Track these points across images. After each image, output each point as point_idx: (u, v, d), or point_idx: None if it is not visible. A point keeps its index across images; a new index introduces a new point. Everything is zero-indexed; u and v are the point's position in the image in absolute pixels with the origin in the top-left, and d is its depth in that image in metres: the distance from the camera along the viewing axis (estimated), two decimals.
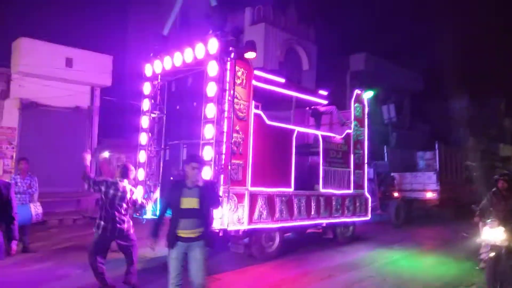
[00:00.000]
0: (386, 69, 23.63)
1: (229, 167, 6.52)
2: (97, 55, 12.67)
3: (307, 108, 9.97)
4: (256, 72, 7.37)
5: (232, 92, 6.62)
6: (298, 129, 8.05)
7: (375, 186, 11.69)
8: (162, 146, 8.06)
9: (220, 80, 6.52)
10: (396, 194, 13.35)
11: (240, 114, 6.87)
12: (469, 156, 16.87)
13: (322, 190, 8.52)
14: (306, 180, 8.67)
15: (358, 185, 9.58)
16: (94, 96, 13.17)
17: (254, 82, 7.23)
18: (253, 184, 7.03)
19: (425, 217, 14.32)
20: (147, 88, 8.07)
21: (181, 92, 8.03)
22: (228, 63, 6.69)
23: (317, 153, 8.67)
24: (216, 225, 6.30)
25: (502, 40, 31.39)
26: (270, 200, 7.34)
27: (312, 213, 8.24)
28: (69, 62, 11.92)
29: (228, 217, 6.52)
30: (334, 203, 8.79)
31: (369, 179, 10.02)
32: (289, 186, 7.79)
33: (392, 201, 12.72)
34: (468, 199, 16.70)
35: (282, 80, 7.91)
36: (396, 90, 24.61)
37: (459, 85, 28.56)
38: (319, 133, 8.68)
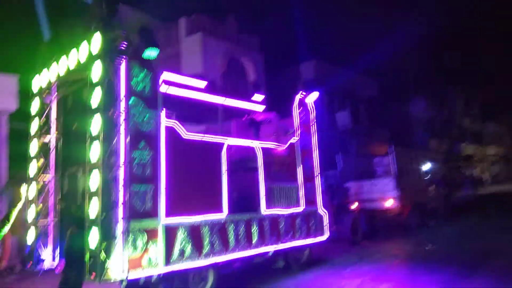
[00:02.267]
0: (338, 75, 23.09)
1: (128, 196, 5.00)
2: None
3: (245, 117, 8.67)
4: (166, 76, 5.98)
5: (126, 99, 5.16)
6: (228, 141, 6.69)
7: (328, 199, 10.38)
8: (58, 176, 6.39)
9: (109, 85, 5.05)
10: (353, 206, 12.17)
11: (143, 127, 5.41)
12: (431, 158, 16.28)
13: (264, 211, 7.14)
14: (247, 202, 7.28)
15: (310, 201, 8.30)
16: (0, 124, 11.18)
17: (164, 88, 5.83)
18: (169, 214, 5.53)
19: (387, 229, 13.27)
20: (35, 105, 6.44)
21: (79, 107, 6.47)
22: (122, 64, 5.26)
23: (257, 168, 7.32)
24: (114, 274, 4.71)
25: (459, 37, 32.21)
26: (195, 231, 5.85)
27: (255, 240, 6.81)
28: None
29: (133, 262, 4.95)
30: (281, 225, 7.43)
31: (322, 192, 8.78)
32: (221, 211, 6.34)
33: (347, 215, 11.45)
34: (433, 204, 16.24)
35: (203, 84, 6.57)
36: (350, 97, 24.12)
37: (415, 86, 28.80)
38: (256, 144, 7.36)
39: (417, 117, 30.32)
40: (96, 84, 5.01)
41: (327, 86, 20.89)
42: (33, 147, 6.29)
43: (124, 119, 5.10)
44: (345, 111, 19.50)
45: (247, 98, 7.48)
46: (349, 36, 25.59)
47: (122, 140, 5.11)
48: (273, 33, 19.96)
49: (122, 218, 4.90)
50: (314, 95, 8.66)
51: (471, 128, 37.86)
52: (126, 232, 4.95)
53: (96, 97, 4.96)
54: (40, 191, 6.14)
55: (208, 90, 6.65)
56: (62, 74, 5.82)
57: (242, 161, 7.52)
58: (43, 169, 6.21)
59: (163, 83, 5.80)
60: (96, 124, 4.90)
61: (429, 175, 15.94)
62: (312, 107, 8.84)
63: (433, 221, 14.47)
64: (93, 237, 4.69)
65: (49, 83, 6.28)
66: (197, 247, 5.84)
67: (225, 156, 6.53)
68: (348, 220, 11.31)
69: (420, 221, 13.82)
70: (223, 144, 6.57)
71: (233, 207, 6.53)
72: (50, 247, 6.12)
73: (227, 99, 6.87)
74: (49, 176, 6.32)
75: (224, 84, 15.52)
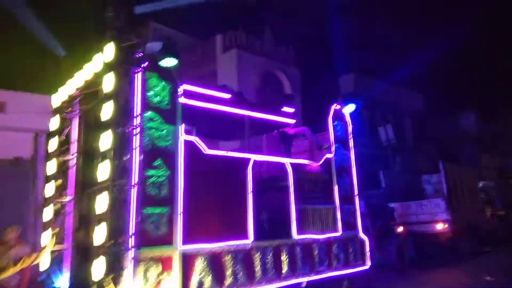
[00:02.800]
0: (379, 89, 21.94)
1: (140, 220, 4.48)
2: (35, 96, 11.03)
3: (275, 132, 8.02)
4: (186, 87, 5.52)
5: (141, 112, 4.72)
6: (254, 157, 6.06)
7: (368, 221, 9.34)
8: (77, 198, 6.06)
9: (121, 97, 4.64)
10: (399, 230, 10.98)
11: (160, 143, 4.94)
12: (484, 175, 14.66)
13: (296, 236, 6.37)
14: (276, 226, 6.56)
15: (349, 225, 7.41)
16: (38, 144, 11.35)
17: (183, 100, 5.37)
18: (186, 241, 4.95)
19: (436, 255, 11.86)
20: (54, 122, 6.21)
21: (98, 123, 6.16)
22: (138, 74, 4.85)
23: (288, 188, 6.61)
24: None
25: (509, 48, 29.91)
26: (216, 260, 5.22)
27: (285, 270, 6.04)
28: (0, 107, 10.24)
29: None
30: (316, 252, 6.60)
31: (361, 214, 7.85)
32: (246, 237, 5.68)
33: (392, 239, 10.25)
34: (488, 226, 14.49)
35: (227, 96, 6.03)
36: (394, 110, 22.79)
37: (465, 99, 26.80)
38: (286, 160, 6.67)
39: (466, 131, 28.15)
40: (108, 97, 4.61)
41: (368, 100, 19.86)
42: (51, 167, 6.01)
43: (139, 134, 4.65)
44: (387, 125, 18.27)
45: (277, 111, 6.85)
46: (391, 46, 24.40)
47: (136, 158, 4.65)
48: (310, 47, 19.37)
49: (133, 246, 4.38)
50: (351, 107, 7.87)
51: None
52: (137, 261, 4.42)
53: (107, 111, 4.55)
54: (57, 213, 5.80)
55: (233, 103, 6.10)
56: (79, 87, 5.53)
57: (271, 180, 6.85)
58: (61, 190, 5.89)
59: (182, 96, 5.34)
60: (106, 140, 4.47)
61: (483, 194, 14.32)
62: (349, 120, 8.03)
63: (488, 247, 12.85)
64: (99, 267, 4.20)
65: (70, 99, 6.03)
66: (218, 279, 5.19)
67: (251, 174, 5.90)
68: (393, 244, 10.17)
69: (474, 246, 12.29)
70: (249, 160, 5.95)
71: (260, 232, 5.84)
72: (66, 274, 5.74)
73: (253, 112, 6.27)
74: (67, 198, 6.00)
75: (259, 99, 15.05)
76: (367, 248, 7.60)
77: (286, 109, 6.93)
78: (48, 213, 5.85)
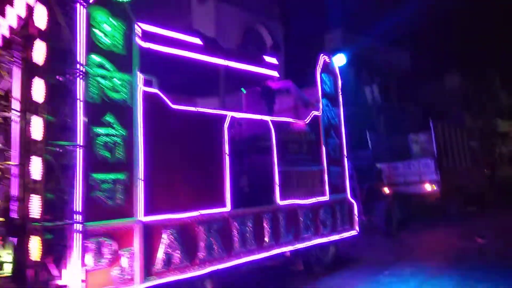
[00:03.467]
0: (366, 47, 20.95)
1: (87, 188, 3.65)
2: None
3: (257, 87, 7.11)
4: (145, 28, 4.51)
5: (85, 56, 3.74)
6: (231, 114, 5.20)
7: (356, 184, 8.76)
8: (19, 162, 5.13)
9: (57, 38, 3.63)
10: (386, 191, 10.51)
11: (112, 94, 4.01)
12: (471, 134, 14.27)
13: (279, 202, 5.69)
14: (257, 191, 5.85)
15: (336, 188, 6.78)
16: None
17: (141, 43, 4.38)
18: (149, 211, 4.17)
19: (425, 216, 11.59)
20: None
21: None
22: (80, 8, 3.81)
23: (270, 149, 5.83)
24: None
25: (494, 9, 29.06)
26: (186, 233, 4.49)
27: (267, 240, 5.40)
28: None
29: (96, 277, 3.65)
30: (301, 218, 5.98)
31: (348, 176, 7.22)
32: (223, 205, 4.94)
33: (380, 202, 9.78)
34: (476, 186, 14.33)
35: (197, 42, 5.04)
36: (380, 70, 21.96)
37: (450, 60, 26.17)
38: (268, 118, 5.84)
39: (451, 92, 27.79)
40: (40, 36, 3.59)
41: (354, 58, 18.93)
42: None
43: (82, 83, 3.70)
44: (374, 84, 17.52)
45: (258, 61, 5.89)
46: (379, 2, 23.16)
47: (80, 113, 3.73)
48: (295, 0, 18.02)
49: (78, 220, 3.58)
50: (341, 58, 7.04)
51: (508, 104, 34.69)
52: (86, 237, 3.64)
53: (39, 54, 3.56)
54: None
55: (205, 50, 5.12)
56: (14, 27, 4.43)
57: (252, 140, 6.06)
58: (2, 153, 4.94)
59: (140, 39, 4.34)
60: (38, 91, 3.52)
61: (470, 154, 13.99)
62: (338, 73, 7.19)
63: (474, 207, 12.68)
64: (35, 247, 3.40)
65: (5, 43, 4.92)
66: (190, 253, 4.49)
67: (227, 134, 5.07)
68: (381, 207, 9.70)
69: (460, 207, 12.07)
70: (225, 118, 5.10)
71: (239, 199, 5.12)
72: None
73: (230, 61, 5.31)
74: (10, 162, 5.07)
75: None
76: (356, 212, 7.05)
77: (268, 59, 5.99)
78: None
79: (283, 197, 5.75)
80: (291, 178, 5.99)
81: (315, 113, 6.59)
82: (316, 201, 6.29)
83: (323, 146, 6.59)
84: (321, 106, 6.68)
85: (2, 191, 4.89)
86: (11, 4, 4.16)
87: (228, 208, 4.96)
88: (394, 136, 14.20)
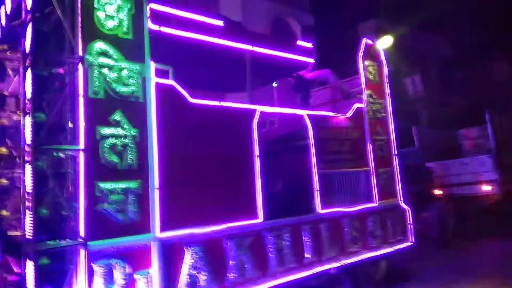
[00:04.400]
0: (403, 36, 19.52)
1: (91, 201, 3.02)
2: None
3: (290, 77, 6.30)
4: (157, 7, 3.84)
5: (82, 42, 3.12)
6: (261, 108, 4.44)
7: (404, 186, 7.65)
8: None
9: (47, 19, 3.02)
10: (438, 193, 9.31)
11: (120, 88, 3.37)
12: None
13: (320, 210, 4.86)
14: (293, 199, 5.07)
15: (387, 192, 5.84)
16: None
17: (153, 26, 3.72)
18: (168, 226, 3.49)
19: (484, 221, 10.25)
20: None
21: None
22: None
23: (307, 148, 5.02)
24: None
25: None
26: (212, 250, 3.78)
27: (308, 255, 4.59)
28: None
29: None
30: (347, 229, 5.11)
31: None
32: (254, 216, 4.19)
33: (432, 207, 8.61)
34: None
35: (218, 23, 4.31)
36: (419, 60, 20.46)
37: (496, 45, 24.02)
38: (304, 112, 5.03)
39: (498, 81, 25.62)
40: (30, 20, 2.99)
41: (390, 48, 17.61)
42: None
43: (82, 74, 3.08)
44: (415, 75, 16.16)
45: (291, 46, 5.07)
46: None
47: (81, 111, 3.11)
48: None
49: (82, 239, 2.95)
50: (387, 40, 6.09)
51: None
52: (93, 260, 3.01)
53: (27, 40, 2.96)
54: (3, 192, 4.40)
55: (228, 34, 4.37)
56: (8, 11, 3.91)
57: (285, 139, 5.28)
58: (4, 161, 4.45)
59: (150, 21, 3.68)
60: (27, 85, 2.92)
61: None
62: (384, 60, 6.25)
63: None
64: (30, 271, 2.79)
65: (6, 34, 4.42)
66: (218, 274, 3.77)
67: (256, 132, 4.31)
68: (434, 212, 8.57)
69: None
70: (254, 113, 4.35)
71: (272, 209, 4.35)
72: None
73: (257, 47, 4.53)
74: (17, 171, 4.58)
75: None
76: (409, 220, 6.07)
77: (302, 43, 5.17)
78: None
79: (324, 205, 4.91)
80: (332, 181, 5.15)
81: (359, 105, 5.70)
82: (363, 208, 5.40)
83: (369, 143, 5.69)
84: (365, 98, 5.77)
85: (12, 203, 4.40)
86: None
87: (260, 219, 4.20)
88: (442, 131, 12.91)
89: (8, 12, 3.63)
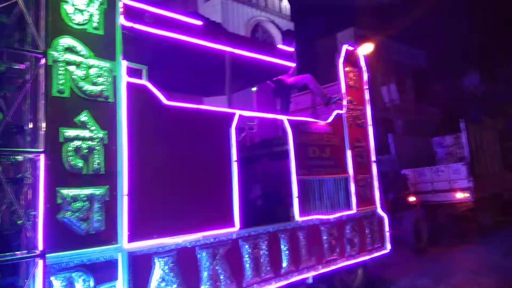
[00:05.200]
0: (380, 45, 19.92)
1: (51, 208, 2.77)
2: None
3: (270, 82, 6.17)
4: (130, 3, 3.62)
5: (44, 36, 2.88)
6: (240, 112, 4.28)
7: (381, 192, 7.67)
8: None
9: (11, 12, 2.76)
10: (412, 200, 9.40)
11: (88, 86, 3.13)
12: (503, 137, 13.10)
13: (299, 218, 4.73)
14: (271, 206, 4.92)
15: (365, 199, 5.78)
16: None
17: (125, 23, 3.50)
18: (136, 235, 3.26)
19: (457, 228, 10.45)
20: None
21: None
22: None
23: (286, 154, 4.89)
24: None
25: None
26: (185, 261, 3.57)
27: (285, 265, 4.44)
28: None
29: None
30: (325, 237, 5.00)
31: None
32: (230, 223, 4.00)
33: (407, 213, 8.68)
34: (510, 193, 13.08)
35: (197, 23, 4.13)
36: (394, 69, 20.92)
37: (468, 59, 24.91)
38: (284, 117, 4.90)
39: (469, 92, 26.54)
40: None
41: (367, 57, 17.90)
42: None
43: (43, 71, 2.84)
44: (391, 84, 16.47)
45: (271, 49, 4.94)
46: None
47: (43, 110, 2.86)
48: None
49: (39, 251, 2.68)
50: (367, 47, 6.07)
51: None
52: (52, 273, 2.74)
53: None
54: None
55: (206, 34, 4.20)
56: None
57: (264, 145, 5.14)
58: None
59: (123, 17, 3.47)
60: None
61: (503, 158, 12.81)
62: (365, 66, 6.23)
63: (503, 216, 11.50)
64: None
65: None
66: (190, 286, 3.56)
67: (235, 136, 4.14)
68: (408, 219, 8.63)
69: (497, 217, 10.92)
70: (232, 116, 4.18)
71: (249, 216, 4.18)
72: None
73: (237, 48, 4.38)
74: None
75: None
76: (386, 227, 6.04)
77: (282, 47, 5.06)
78: None
79: (303, 212, 4.79)
80: (312, 188, 5.03)
81: (339, 111, 5.64)
82: (342, 215, 5.31)
83: (349, 150, 5.62)
84: (345, 104, 5.72)
85: None
86: None
87: (237, 227, 4.02)
88: (417, 139, 13.14)
89: None
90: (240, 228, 4.03)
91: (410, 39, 22.26)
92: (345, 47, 5.83)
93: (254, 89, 6.48)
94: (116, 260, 3.14)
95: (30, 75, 2.94)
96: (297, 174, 4.80)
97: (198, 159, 3.84)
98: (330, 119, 5.46)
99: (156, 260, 3.38)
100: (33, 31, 2.90)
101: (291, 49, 5.16)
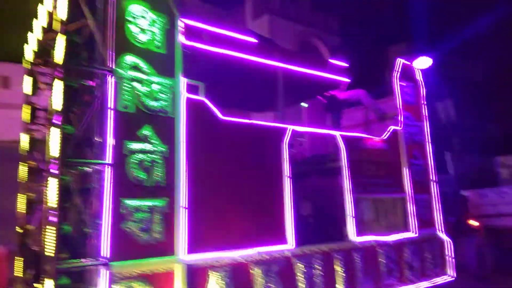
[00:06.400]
0: (435, 59, 19.09)
1: (117, 219, 2.87)
2: None
3: (321, 97, 6.09)
4: (190, 23, 3.78)
5: (113, 54, 3.06)
6: (292, 128, 4.25)
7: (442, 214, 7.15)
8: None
9: (80, 31, 2.98)
10: (475, 224, 8.68)
11: (151, 102, 3.27)
12: None
13: (355, 238, 4.53)
14: (325, 224, 4.78)
15: (425, 221, 5.43)
16: None
17: (185, 41, 3.65)
18: (194, 248, 3.29)
19: None
20: (27, 83, 4.70)
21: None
22: None
23: (340, 171, 4.75)
24: None
25: None
26: (239, 276, 3.53)
27: (340, 286, 4.24)
28: (5, 82, 9.10)
29: None
30: (382, 260, 4.74)
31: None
32: (284, 241, 3.92)
33: (470, 238, 8.00)
34: None
35: (252, 41, 4.21)
36: (451, 84, 19.87)
37: None
38: (337, 133, 4.79)
39: None
40: (62, 32, 2.96)
41: (422, 72, 17.21)
42: (24, 142, 4.51)
43: (112, 88, 3.01)
44: (447, 99, 15.65)
45: (323, 64, 4.90)
46: (447, 8, 21.27)
47: (110, 124, 3.02)
48: (355, 12, 17.02)
49: (104, 259, 2.78)
50: (425, 61, 5.83)
51: None
52: (114, 281, 2.83)
53: (58, 51, 2.92)
54: (31, 204, 4.34)
55: (260, 51, 4.26)
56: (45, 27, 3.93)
57: (316, 160, 5.04)
58: (35, 173, 4.40)
59: (184, 36, 3.61)
60: (56, 97, 2.86)
61: None
62: (421, 81, 5.97)
63: None
64: None
65: (40, 46, 4.44)
66: None
67: (287, 151, 4.11)
68: (471, 244, 7.97)
69: None
70: (284, 132, 4.16)
71: (303, 234, 4.07)
72: None
73: (290, 65, 4.39)
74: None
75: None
76: (449, 252, 5.61)
77: (336, 62, 5.00)
78: (21, 203, 4.41)
79: (358, 232, 4.59)
80: (367, 207, 4.83)
81: (394, 127, 5.42)
82: (401, 238, 5.02)
83: (405, 168, 5.35)
84: (401, 120, 5.49)
85: (37, 217, 4.33)
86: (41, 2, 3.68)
87: (290, 245, 3.93)
88: (475, 158, 12.31)
89: (46, 26, 3.66)
90: (294, 246, 3.94)
91: (468, 53, 21.19)
92: (400, 61, 5.64)
93: (304, 105, 6.43)
94: (174, 272, 3.17)
95: (98, 91, 3.12)
96: (352, 192, 4.63)
97: (252, 173, 3.84)
98: (385, 135, 5.26)
99: (211, 274, 3.38)
100: (102, 49, 3.10)
101: (344, 64, 5.08)
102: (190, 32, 3.72)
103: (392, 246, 4.83)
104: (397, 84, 5.55)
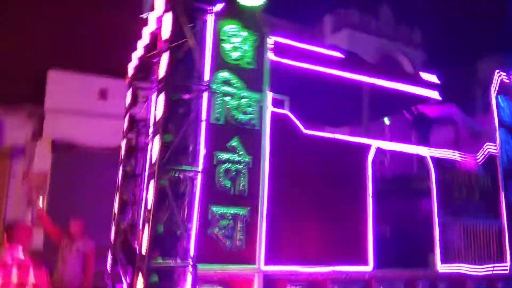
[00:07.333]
0: None
1: (204, 224, 3.05)
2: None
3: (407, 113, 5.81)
4: (279, 40, 3.91)
5: (210, 71, 3.28)
6: (377, 144, 4.13)
7: None
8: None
9: (182, 49, 3.24)
10: None
11: (239, 115, 3.44)
12: None
13: (440, 267, 4.20)
14: (408, 248, 4.51)
15: None
16: None
17: (273, 58, 3.78)
18: (271, 259, 3.35)
19: None
20: (129, 96, 5.25)
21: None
22: (209, 18, 3.41)
23: (427, 193, 4.47)
24: None
25: None
26: None
27: None
28: (103, 94, 10.16)
29: None
30: None
31: None
32: (364, 262, 3.79)
33: None
34: None
35: (338, 55, 4.20)
36: None
37: None
38: (426, 152, 4.52)
39: None
40: (165, 47, 3.27)
41: None
42: (123, 149, 5.02)
43: (206, 101, 3.23)
44: None
45: (413, 79, 4.67)
46: None
47: (202, 134, 3.23)
48: (439, 25, 16.02)
49: (193, 261, 2.96)
50: None
51: None
52: (197, 284, 2.99)
53: (162, 66, 3.22)
54: (124, 205, 4.79)
55: (346, 65, 4.23)
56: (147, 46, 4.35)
57: (398, 180, 4.80)
58: (130, 177, 4.87)
59: (272, 53, 3.75)
60: (159, 108, 3.15)
61: None
62: None
63: None
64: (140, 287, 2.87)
65: (141, 63, 4.93)
66: None
67: (371, 169, 3.99)
68: None
69: None
70: (368, 148, 4.05)
71: (383, 256, 3.90)
72: None
73: (377, 79, 4.28)
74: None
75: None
76: None
77: (425, 76, 4.74)
78: (117, 204, 4.88)
79: (444, 260, 4.25)
80: (456, 233, 4.45)
81: (490, 148, 4.95)
82: (493, 270, 4.53)
83: (502, 193, 4.84)
84: (498, 139, 5.00)
85: (129, 218, 4.75)
86: (146, 24, 4.10)
87: (370, 266, 3.79)
88: None
89: (147, 41, 4.07)
90: (374, 268, 3.79)
91: None
92: (497, 75, 5.17)
93: (387, 121, 6.20)
94: (252, 280, 3.26)
95: (194, 104, 3.37)
96: (439, 216, 4.32)
97: (332, 188, 3.81)
98: (479, 156, 4.83)
99: (288, 286, 3.39)
100: (199, 66, 3.35)
101: (435, 79, 4.80)
102: (277, 48, 3.85)
103: (482, 279, 4.38)
104: (494, 99, 5.08)
